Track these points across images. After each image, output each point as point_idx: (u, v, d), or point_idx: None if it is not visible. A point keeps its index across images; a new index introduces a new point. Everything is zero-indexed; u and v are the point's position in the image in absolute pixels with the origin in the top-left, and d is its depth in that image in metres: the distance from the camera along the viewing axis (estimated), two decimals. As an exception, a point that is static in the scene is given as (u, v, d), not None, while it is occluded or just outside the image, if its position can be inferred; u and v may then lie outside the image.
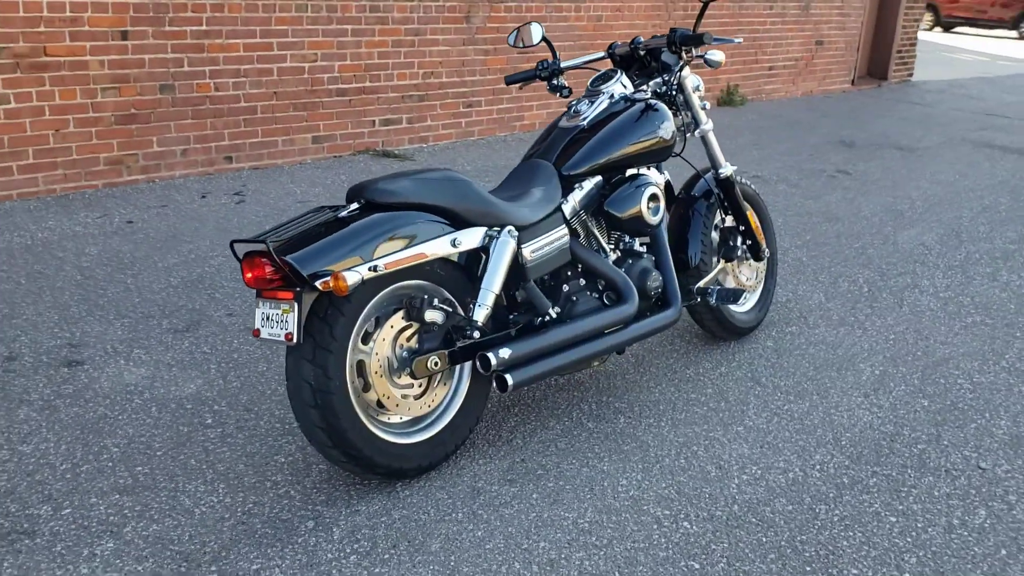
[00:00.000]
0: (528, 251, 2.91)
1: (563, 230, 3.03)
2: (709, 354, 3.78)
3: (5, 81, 5.09)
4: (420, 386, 2.75)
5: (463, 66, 7.49)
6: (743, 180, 3.90)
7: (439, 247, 2.66)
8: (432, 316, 2.68)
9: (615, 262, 3.25)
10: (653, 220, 3.23)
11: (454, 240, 2.69)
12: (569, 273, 3.14)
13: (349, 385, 2.56)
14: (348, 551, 2.43)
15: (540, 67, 3.48)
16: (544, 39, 3.47)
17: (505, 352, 2.73)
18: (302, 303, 2.46)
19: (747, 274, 3.93)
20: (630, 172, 3.29)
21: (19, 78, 5.15)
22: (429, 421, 2.80)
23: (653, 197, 3.22)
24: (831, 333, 4.05)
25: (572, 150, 3.16)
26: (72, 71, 5.33)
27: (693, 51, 3.49)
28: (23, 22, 5.09)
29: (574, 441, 3.05)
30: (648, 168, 3.36)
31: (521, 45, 3.53)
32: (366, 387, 2.65)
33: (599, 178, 3.20)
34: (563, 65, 3.49)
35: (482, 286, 2.75)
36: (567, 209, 3.09)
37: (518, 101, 8.09)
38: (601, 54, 3.57)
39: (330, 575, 2.34)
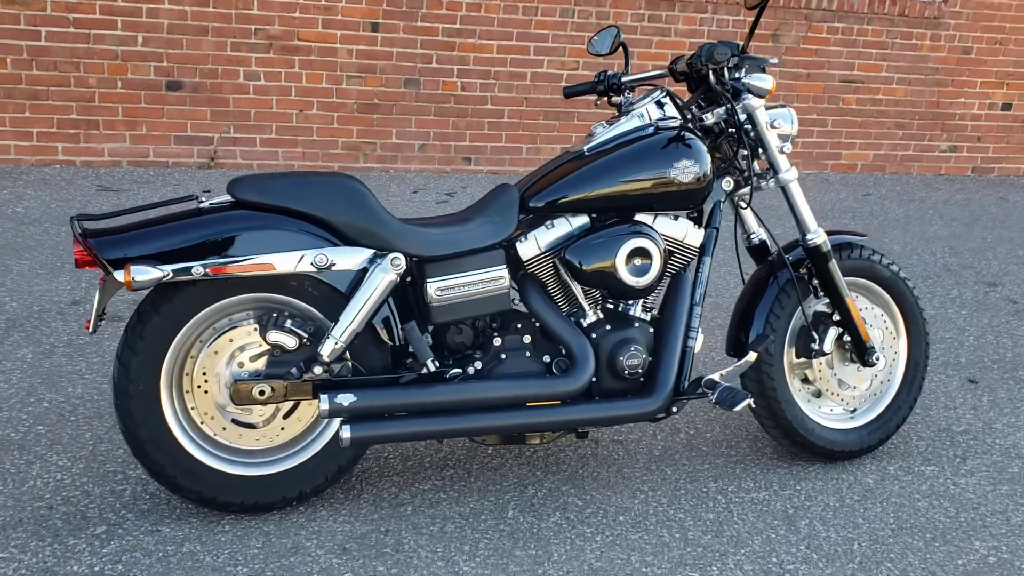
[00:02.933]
0: (434, 288, 2.42)
1: (500, 272, 2.48)
2: (767, 472, 2.89)
3: (258, 60, 5.57)
4: (261, 415, 2.43)
5: (764, 91, 6.68)
6: (879, 258, 2.92)
7: (294, 262, 2.31)
8: (277, 338, 2.34)
9: (591, 325, 2.60)
10: (634, 282, 2.52)
11: (318, 257, 2.32)
12: (519, 326, 2.58)
13: (164, 394, 2.34)
14: (96, 570, 2.22)
15: (599, 79, 2.89)
16: (622, 45, 2.89)
17: (344, 398, 2.30)
18: (104, 290, 2.29)
19: (852, 380, 2.94)
20: (641, 217, 2.60)
21: (271, 58, 5.60)
22: (273, 457, 2.46)
23: (639, 252, 2.50)
24: (979, 489, 2.88)
25: (549, 179, 2.58)
26: (321, 56, 5.67)
27: (726, 72, 2.66)
28: (280, 7, 5.52)
29: (469, 526, 2.49)
30: (675, 217, 2.63)
31: (592, 51, 2.98)
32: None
33: (585, 219, 2.57)
34: (624, 79, 2.86)
35: (340, 317, 2.35)
36: (524, 249, 2.52)
37: (834, 136, 7.05)
38: (663, 71, 2.87)
39: (51, 588, 2.15)
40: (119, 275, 2.19)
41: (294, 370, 2.37)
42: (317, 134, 5.81)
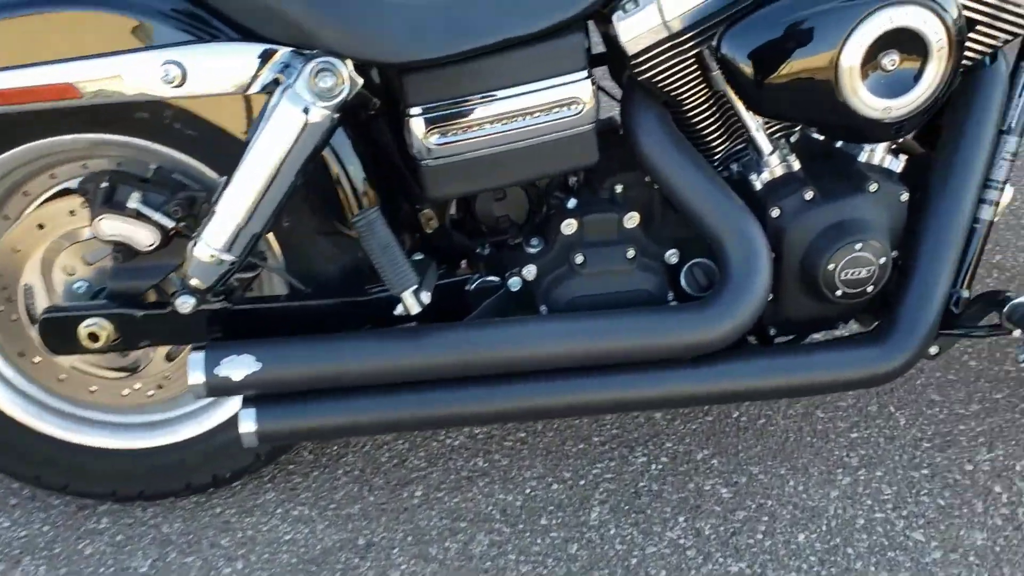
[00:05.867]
0: (424, 128, 1.13)
1: (575, 85, 1.15)
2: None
3: None
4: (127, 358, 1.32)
5: None
6: None
7: (123, 77, 1.07)
8: (114, 229, 1.16)
9: (771, 187, 1.25)
10: (881, 107, 1.11)
11: (169, 67, 1.06)
12: (616, 191, 1.27)
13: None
14: None
15: None
16: None
17: (233, 364, 1.13)
18: None
19: None
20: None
21: None
22: (159, 416, 1.38)
23: (897, 40, 1.08)
24: None
25: None
26: None
27: None
28: None
29: (513, 545, 1.39)
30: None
31: None
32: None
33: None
34: None
35: (216, 199, 1.12)
36: (632, 25, 1.14)
37: None
38: None
39: None
40: None
41: (169, 290, 1.22)
42: None
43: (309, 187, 1.19)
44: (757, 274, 1.19)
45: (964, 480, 1.48)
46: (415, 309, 1.13)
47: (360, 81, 1.09)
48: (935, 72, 1.11)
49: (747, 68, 1.12)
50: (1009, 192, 1.32)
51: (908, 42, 1.09)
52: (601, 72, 1.32)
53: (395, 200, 1.26)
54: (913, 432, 1.56)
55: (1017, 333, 1.26)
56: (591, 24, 1.22)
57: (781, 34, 1.09)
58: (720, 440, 1.55)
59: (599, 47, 1.28)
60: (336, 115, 1.08)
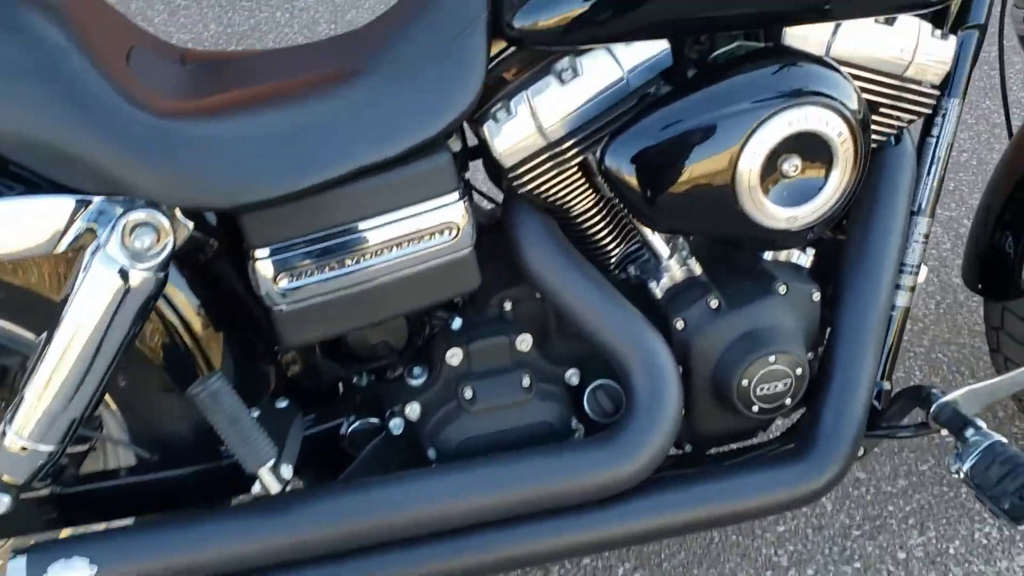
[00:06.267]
0: (268, 267, 0.98)
1: (446, 209, 1.00)
2: None
3: None
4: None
5: None
6: None
7: None
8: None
9: (672, 295, 1.13)
10: (785, 216, 1.01)
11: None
12: (505, 309, 1.14)
13: None
14: None
15: None
16: None
17: (62, 568, 0.95)
18: None
19: None
20: (796, 32, 1.02)
21: None
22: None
23: (798, 145, 0.97)
24: None
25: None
26: None
27: None
28: None
29: None
30: (887, 20, 1.04)
31: None
32: None
33: (663, 45, 1.01)
34: None
35: (24, 386, 0.95)
36: (507, 135, 1.00)
37: None
38: None
39: None
40: None
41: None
42: None
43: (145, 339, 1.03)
44: (666, 397, 1.07)
45: (898, 571, 1.39)
46: (275, 488, 0.97)
47: (190, 226, 0.93)
48: (841, 173, 1.00)
49: (633, 181, 0.99)
50: (923, 273, 1.23)
51: (810, 144, 0.98)
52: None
53: (248, 339, 1.10)
54: (841, 519, 1.47)
55: (944, 433, 1.17)
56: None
57: (671, 144, 0.96)
58: (642, 549, 1.43)
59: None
60: (162, 273, 0.91)
